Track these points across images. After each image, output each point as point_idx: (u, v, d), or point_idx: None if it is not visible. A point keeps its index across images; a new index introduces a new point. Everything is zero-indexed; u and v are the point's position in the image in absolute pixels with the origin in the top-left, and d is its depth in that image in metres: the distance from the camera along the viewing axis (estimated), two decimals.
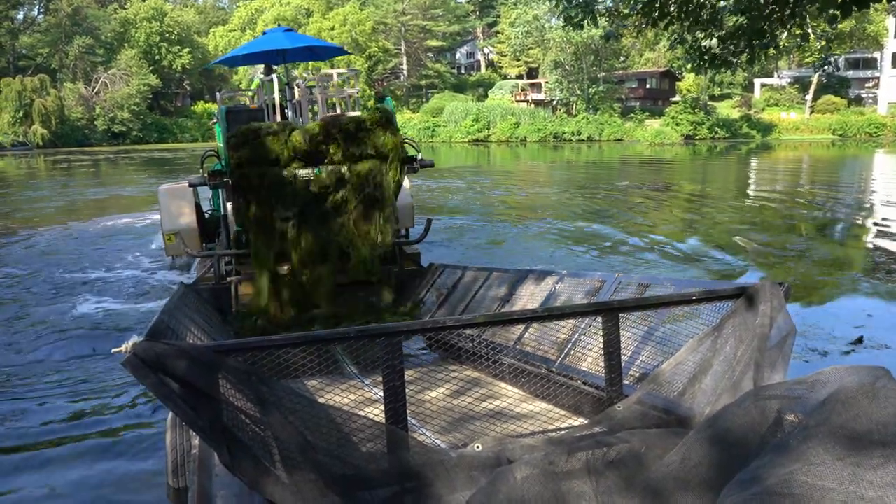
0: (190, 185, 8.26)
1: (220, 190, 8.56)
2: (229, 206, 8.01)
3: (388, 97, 8.66)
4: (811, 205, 19.90)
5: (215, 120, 9.58)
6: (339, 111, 9.14)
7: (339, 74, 9.14)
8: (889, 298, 9.35)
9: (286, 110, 9.02)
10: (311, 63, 50.57)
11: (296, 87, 9.77)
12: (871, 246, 13.40)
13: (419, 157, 8.00)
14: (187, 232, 9.11)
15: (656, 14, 7.07)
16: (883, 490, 1.73)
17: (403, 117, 66.98)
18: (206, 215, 10.43)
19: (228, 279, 7.63)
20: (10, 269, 11.83)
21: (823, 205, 19.83)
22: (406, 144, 7.79)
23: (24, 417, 5.67)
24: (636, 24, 7.56)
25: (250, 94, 10.96)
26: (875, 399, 1.92)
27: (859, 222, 16.90)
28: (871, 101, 66.54)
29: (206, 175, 7.57)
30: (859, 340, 7.20)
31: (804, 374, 2.39)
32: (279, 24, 47.35)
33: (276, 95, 8.80)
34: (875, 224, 16.28)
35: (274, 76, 8.94)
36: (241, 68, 67.61)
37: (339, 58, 46.08)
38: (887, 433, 1.84)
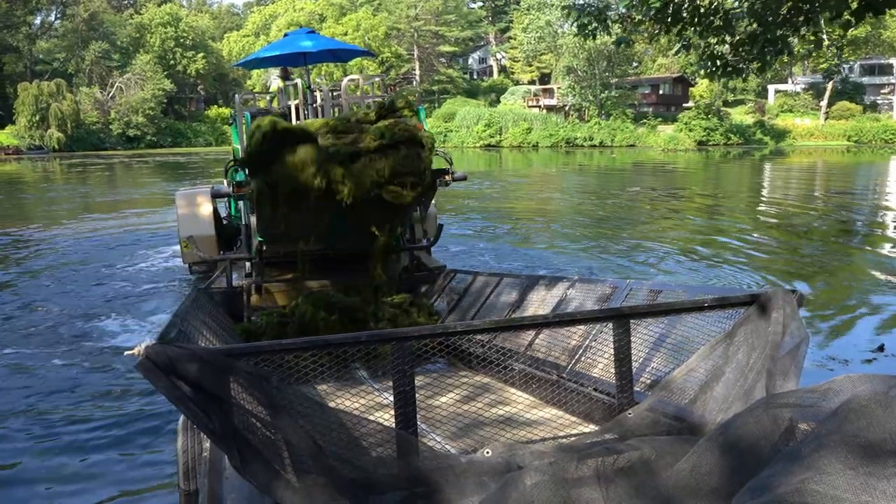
0: (213, 196, 8.01)
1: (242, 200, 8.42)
2: (252, 217, 7.40)
3: (420, 107, 8.30)
4: (827, 211, 19.75)
5: (231, 122, 9.52)
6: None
7: (366, 79, 9.06)
8: None
9: (307, 115, 8.96)
10: (323, 68, 50.81)
11: (318, 92, 9.73)
12: (891, 252, 13.25)
13: (451, 169, 7.28)
14: (203, 238, 9.03)
15: (669, 20, 7.05)
16: (895, 500, 1.71)
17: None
18: (224, 222, 10.38)
19: (242, 283, 7.60)
20: (21, 270, 11.94)
21: (840, 211, 19.67)
22: (439, 156, 7.23)
23: (32, 418, 5.70)
24: (649, 30, 7.54)
25: (269, 97, 10.96)
26: (888, 408, 1.90)
27: (878, 229, 16.75)
28: (886, 107, 66.09)
29: (231, 184, 7.28)
30: (881, 348, 7.12)
31: (826, 381, 2.36)
32: (297, 28, 47.35)
33: (298, 99, 8.75)
34: (895, 230, 16.13)
35: (298, 80, 8.90)
36: (255, 72, 68.09)
37: (352, 63, 46.29)
38: None
